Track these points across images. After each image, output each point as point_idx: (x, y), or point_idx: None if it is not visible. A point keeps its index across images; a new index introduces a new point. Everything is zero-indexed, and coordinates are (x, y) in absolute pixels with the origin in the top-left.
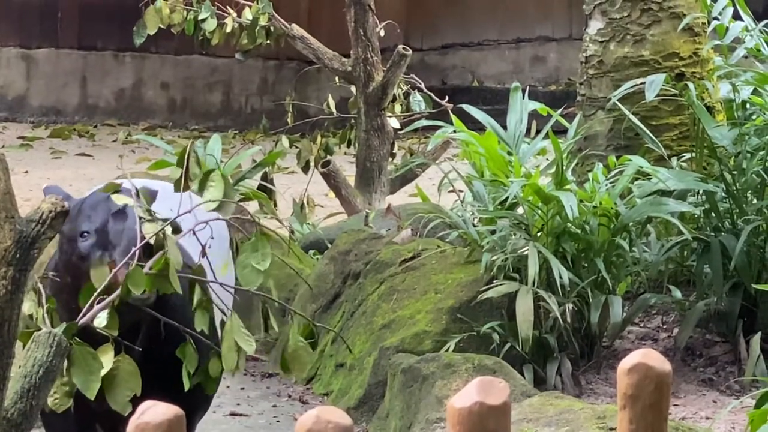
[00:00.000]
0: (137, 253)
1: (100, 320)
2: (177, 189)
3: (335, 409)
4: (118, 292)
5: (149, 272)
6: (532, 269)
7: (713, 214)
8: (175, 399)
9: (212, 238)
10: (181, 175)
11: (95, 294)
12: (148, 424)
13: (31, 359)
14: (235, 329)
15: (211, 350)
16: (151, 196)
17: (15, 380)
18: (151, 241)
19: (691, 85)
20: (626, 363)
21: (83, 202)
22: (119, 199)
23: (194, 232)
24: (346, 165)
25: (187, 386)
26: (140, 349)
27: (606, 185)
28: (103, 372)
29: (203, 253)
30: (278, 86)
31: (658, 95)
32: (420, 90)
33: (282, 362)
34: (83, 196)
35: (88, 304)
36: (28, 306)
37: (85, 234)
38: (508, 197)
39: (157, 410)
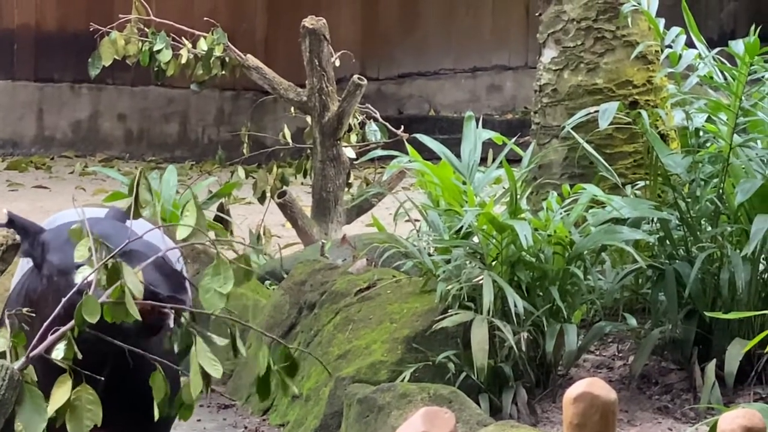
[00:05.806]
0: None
1: (58, 352)
2: (128, 217)
3: None
4: (71, 323)
5: (107, 300)
6: (487, 298)
7: (668, 242)
8: (139, 426)
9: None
10: (131, 204)
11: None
12: None
13: None
14: (200, 354)
15: (183, 377)
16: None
17: None
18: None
19: (644, 113)
20: (572, 392)
21: (60, 230)
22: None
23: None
24: (302, 195)
25: (157, 416)
26: (102, 378)
27: (560, 214)
28: (61, 403)
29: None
30: (235, 117)
31: (611, 123)
32: (375, 120)
33: (258, 387)
34: (56, 225)
35: (38, 336)
36: None
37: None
38: (462, 226)
39: None
